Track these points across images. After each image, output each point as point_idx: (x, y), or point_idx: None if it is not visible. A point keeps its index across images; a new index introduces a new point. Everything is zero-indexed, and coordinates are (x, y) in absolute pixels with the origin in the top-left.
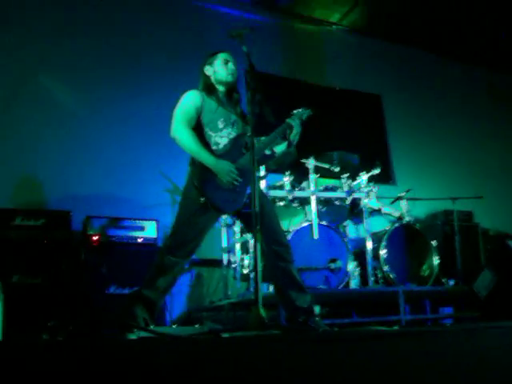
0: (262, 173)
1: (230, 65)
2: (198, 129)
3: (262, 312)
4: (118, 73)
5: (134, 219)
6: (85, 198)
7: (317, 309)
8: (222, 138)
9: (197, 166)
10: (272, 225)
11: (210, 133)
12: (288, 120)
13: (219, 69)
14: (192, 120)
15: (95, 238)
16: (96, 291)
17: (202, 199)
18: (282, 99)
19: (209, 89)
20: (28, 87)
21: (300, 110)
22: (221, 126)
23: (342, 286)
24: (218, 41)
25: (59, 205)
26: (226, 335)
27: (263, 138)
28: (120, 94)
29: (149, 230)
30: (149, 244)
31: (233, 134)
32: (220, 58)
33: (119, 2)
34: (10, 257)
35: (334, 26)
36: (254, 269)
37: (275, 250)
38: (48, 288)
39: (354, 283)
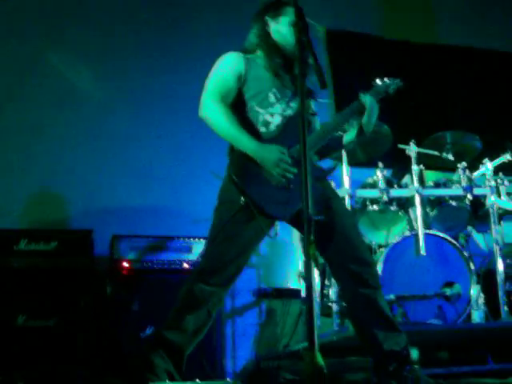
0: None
1: None
2: (239, 104)
3: (320, 359)
4: (148, 45)
5: (177, 237)
6: (111, 212)
7: (414, 353)
8: (273, 116)
9: (236, 155)
10: (349, 237)
11: (258, 109)
12: (360, 97)
13: (286, 30)
14: (230, 93)
15: (125, 264)
16: (127, 335)
17: (243, 199)
18: (372, 64)
19: (265, 49)
20: (36, 71)
21: (386, 80)
22: (272, 99)
23: (462, 319)
24: None
25: (78, 223)
26: None
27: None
28: (153, 72)
29: (197, 252)
30: None
31: (288, 112)
32: (290, 16)
33: None
34: (13, 292)
35: None
36: (308, 298)
37: (354, 272)
38: (63, 333)
39: (477, 315)
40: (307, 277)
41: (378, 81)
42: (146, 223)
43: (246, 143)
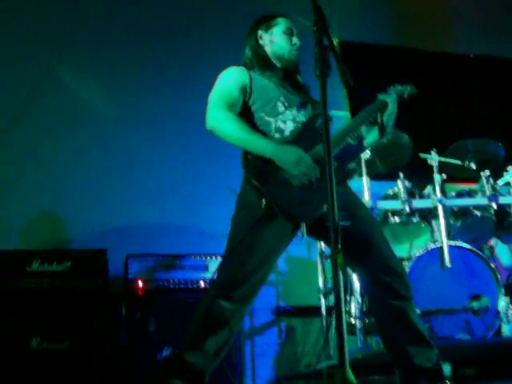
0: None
1: (295, 38)
2: (247, 117)
3: (351, 377)
4: (160, 61)
5: (194, 255)
6: (125, 231)
7: (446, 369)
8: (286, 123)
9: (252, 159)
10: (378, 245)
11: (268, 118)
12: (380, 95)
13: (279, 39)
14: (235, 104)
15: (140, 284)
16: (143, 357)
17: (264, 202)
18: (388, 75)
19: (260, 63)
20: (46, 88)
21: (399, 86)
22: (281, 108)
23: (491, 333)
24: None
25: (91, 242)
26: None
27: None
28: (164, 89)
29: (214, 270)
30: None
31: (301, 118)
32: (282, 26)
33: None
34: (26, 314)
35: None
36: (337, 310)
37: (384, 282)
38: (78, 355)
39: (508, 329)
40: (336, 288)
41: (391, 87)
42: (161, 242)
43: (262, 145)
